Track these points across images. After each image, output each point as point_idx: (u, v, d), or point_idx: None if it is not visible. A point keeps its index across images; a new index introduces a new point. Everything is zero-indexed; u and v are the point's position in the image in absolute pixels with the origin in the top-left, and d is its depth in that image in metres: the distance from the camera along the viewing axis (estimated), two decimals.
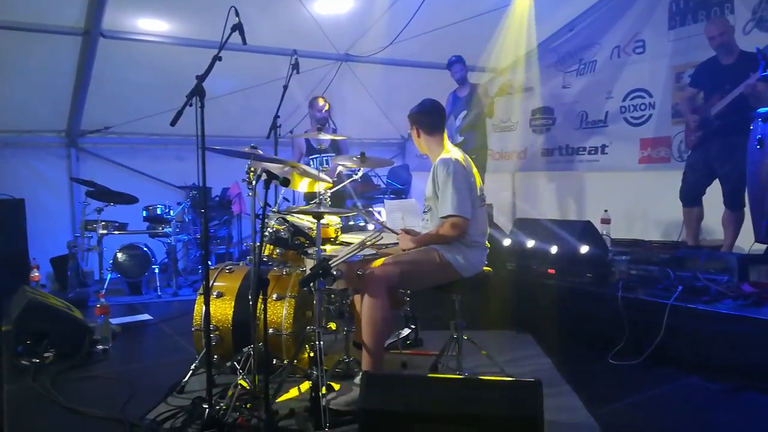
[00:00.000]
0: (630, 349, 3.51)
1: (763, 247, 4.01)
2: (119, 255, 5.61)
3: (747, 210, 4.21)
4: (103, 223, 5.52)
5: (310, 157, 5.18)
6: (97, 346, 3.80)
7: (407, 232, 3.15)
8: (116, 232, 5.62)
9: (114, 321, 4.29)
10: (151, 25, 5.33)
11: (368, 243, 2.84)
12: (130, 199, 5.55)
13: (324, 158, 5.10)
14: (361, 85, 6.75)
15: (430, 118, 3.16)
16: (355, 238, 3.48)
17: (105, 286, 5.33)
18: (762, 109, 3.73)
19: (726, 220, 4.56)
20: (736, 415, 2.85)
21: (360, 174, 4.12)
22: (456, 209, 2.89)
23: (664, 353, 3.38)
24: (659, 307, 3.45)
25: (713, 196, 4.67)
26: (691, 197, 4.78)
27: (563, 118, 6.81)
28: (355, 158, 3.59)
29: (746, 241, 4.16)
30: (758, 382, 3.02)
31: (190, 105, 2.44)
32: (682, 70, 5.51)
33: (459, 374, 3.08)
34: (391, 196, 6.90)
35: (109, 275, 5.52)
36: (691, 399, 3.03)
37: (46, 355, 3.56)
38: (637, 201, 5.94)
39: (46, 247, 5.67)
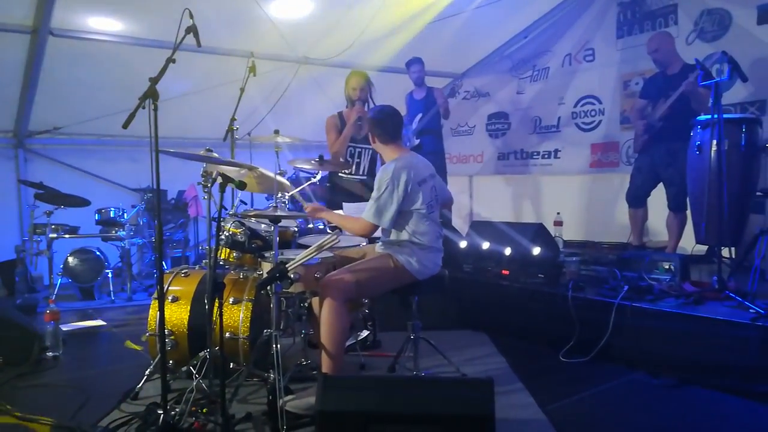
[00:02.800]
0: (580, 346, 3.62)
1: (705, 248, 4.21)
2: (70, 259, 5.45)
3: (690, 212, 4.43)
4: (53, 226, 5.35)
5: (349, 144, 4.47)
6: (47, 353, 3.69)
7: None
8: (67, 236, 5.46)
9: (64, 327, 4.17)
10: (103, 24, 5.20)
11: (326, 245, 2.86)
12: (82, 202, 5.40)
13: (357, 150, 4.52)
14: (320, 88, 6.75)
15: (384, 127, 3.18)
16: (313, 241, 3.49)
17: (55, 292, 5.18)
18: (701, 117, 3.93)
19: (670, 222, 4.76)
20: (678, 407, 2.98)
21: (318, 177, 4.14)
22: (372, 216, 2.99)
23: (612, 350, 3.51)
24: (606, 306, 3.58)
25: (658, 200, 4.87)
26: (637, 198, 4.97)
27: (518, 123, 6.98)
28: (313, 161, 3.61)
29: (689, 242, 4.37)
30: (699, 377, 3.18)
31: (143, 107, 2.41)
32: (629, 78, 5.73)
33: (416, 374, 3.13)
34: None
35: (60, 280, 5.36)
36: (637, 393, 3.16)
37: None
38: (588, 204, 6.15)
39: None
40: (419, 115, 5.95)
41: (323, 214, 3.34)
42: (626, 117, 5.71)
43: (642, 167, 4.91)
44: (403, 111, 6.19)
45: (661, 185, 4.80)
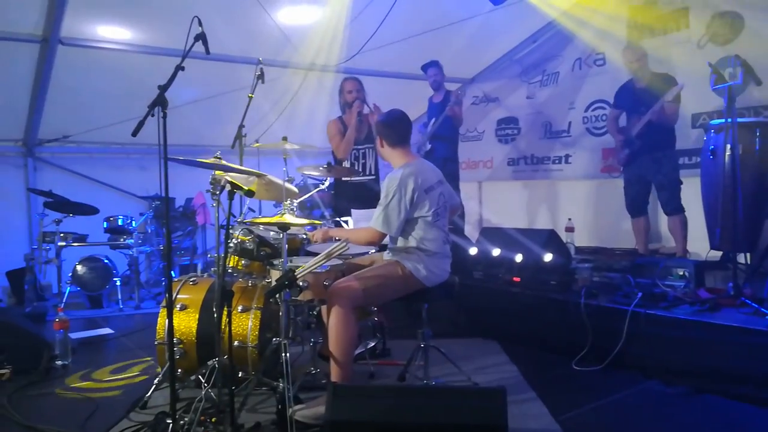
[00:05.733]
0: (593, 355, 3.58)
1: (720, 253, 4.15)
2: (79, 267, 5.46)
3: (692, 214, 4.49)
4: (61, 234, 5.37)
5: (353, 148, 4.58)
6: (56, 362, 3.68)
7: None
8: (75, 244, 5.47)
9: (73, 335, 4.17)
10: (112, 33, 5.22)
11: (335, 253, 2.84)
12: (90, 210, 5.41)
13: (361, 150, 4.57)
14: (328, 94, 6.75)
15: (392, 130, 3.17)
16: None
17: (64, 300, 5.18)
18: (714, 121, 3.89)
19: (672, 226, 4.77)
20: (693, 416, 2.93)
21: (327, 183, 4.13)
22: (380, 224, 2.98)
23: (626, 358, 3.46)
24: (620, 313, 3.53)
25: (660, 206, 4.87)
26: (636, 208, 4.99)
27: (528, 128, 6.94)
28: (321, 168, 3.59)
29: (704, 248, 4.30)
30: (713, 385, 3.13)
31: (152, 115, 2.41)
32: None
33: (426, 383, 3.09)
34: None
35: (69, 288, 5.36)
36: (651, 402, 3.11)
37: (2, 371, 3.44)
38: (600, 209, 6.09)
39: (1, 259, 5.49)
40: (433, 120, 5.76)
41: (332, 233, 3.29)
42: None
43: (631, 179, 4.96)
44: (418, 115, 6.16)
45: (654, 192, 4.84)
